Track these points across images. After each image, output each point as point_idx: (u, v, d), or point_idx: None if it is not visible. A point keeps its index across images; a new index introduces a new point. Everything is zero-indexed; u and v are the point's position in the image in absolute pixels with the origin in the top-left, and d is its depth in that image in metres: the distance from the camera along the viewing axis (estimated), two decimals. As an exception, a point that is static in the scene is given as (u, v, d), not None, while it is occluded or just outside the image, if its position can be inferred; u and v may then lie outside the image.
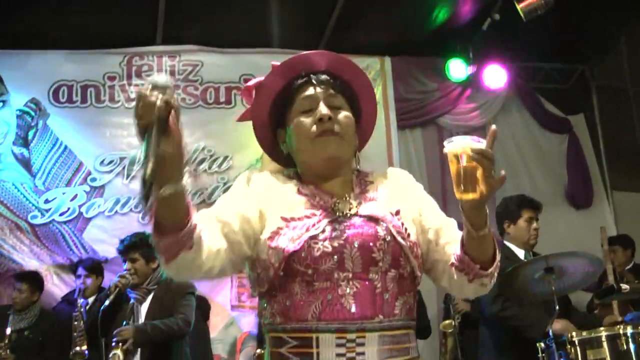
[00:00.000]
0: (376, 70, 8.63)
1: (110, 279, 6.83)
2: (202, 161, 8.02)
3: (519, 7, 7.77)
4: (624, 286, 5.23)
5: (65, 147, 7.70)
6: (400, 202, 2.23)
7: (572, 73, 9.76)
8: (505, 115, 9.32)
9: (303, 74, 2.27)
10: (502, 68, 8.99)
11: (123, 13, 7.61)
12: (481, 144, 1.98)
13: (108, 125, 7.91)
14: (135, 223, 7.58)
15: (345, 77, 2.31)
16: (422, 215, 2.24)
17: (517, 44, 8.80)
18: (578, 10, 8.26)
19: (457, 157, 2.00)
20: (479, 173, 1.97)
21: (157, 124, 1.74)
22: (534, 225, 5.32)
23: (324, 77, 2.26)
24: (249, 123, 2.38)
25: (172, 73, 8.12)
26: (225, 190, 7.65)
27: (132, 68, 8.07)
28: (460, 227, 2.16)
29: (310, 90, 2.24)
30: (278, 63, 2.31)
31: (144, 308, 5.38)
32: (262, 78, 2.32)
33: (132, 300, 5.39)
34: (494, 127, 2.03)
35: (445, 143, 2.04)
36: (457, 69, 8.84)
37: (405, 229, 2.15)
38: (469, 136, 2.02)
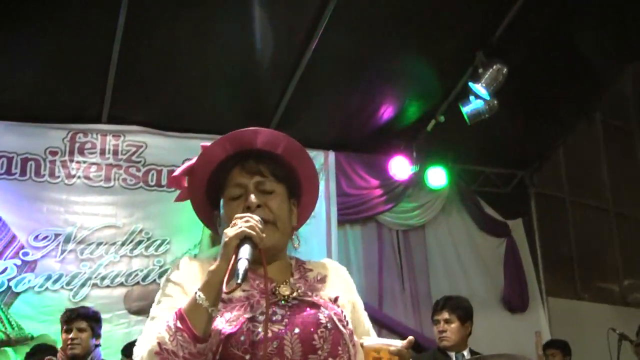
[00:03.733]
0: (320, 164, 8.61)
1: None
2: (139, 243, 7.87)
3: (464, 110, 7.94)
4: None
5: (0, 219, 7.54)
6: (338, 291, 2.24)
7: (512, 178, 9.93)
8: (445, 216, 9.40)
9: (235, 155, 2.27)
10: (444, 169, 9.09)
11: (70, 89, 7.55)
12: (398, 343, 2.07)
13: (46, 201, 7.74)
14: (66, 301, 7.35)
15: (279, 152, 2.29)
16: (354, 308, 2.28)
17: (460, 146, 8.96)
18: (518, 118, 8.49)
19: (376, 353, 2.07)
20: None
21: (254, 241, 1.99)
22: (438, 327, 5.50)
23: (254, 160, 2.25)
24: (189, 208, 2.35)
25: (115, 152, 8.04)
26: (160, 274, 7.62)
27: (75, 144, 7.93)
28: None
29: (239, 177, 2.23)
30: (207, 144, 2.30)
31: None
32: (192, 162, 2.30)
33: None
34: (411, 338, 2.10)
35: (363, 339, 2.12)
36: (400, 167, 8.90)
37: (345, 317, 2.15)
38: (386, 339, 2.13)
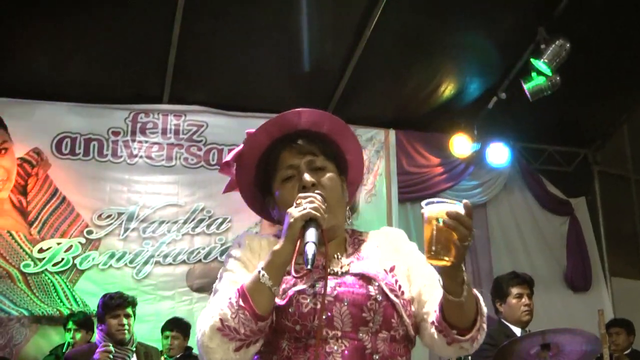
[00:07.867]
0: (380, 142, 8.64)
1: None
2: (201, 221, 7.97)
3: (526, 87, 7.83)
4: (622, 368, 5.16)
5: (64, 199, 7.65)
6: (393, 259, 2.21)
7: (575, 156, 9.79)
8: (507, 194, 9.32)
9: (281, 138, 2.26)
10: (505, 147, 8.99)
11: (131, 70, 7.66)
12: (459, 207, 1.94)
13: (109, 180, 7.88)
14: (130, 278, 7.55)
15: (323, 131, 2.30)
16: (410, 271, 2.21)
17: (522, 124, 8.85)
18: (581, 94, 8.33)
19: (435, 221, 1.93)
20: (454, 239, 1.91)
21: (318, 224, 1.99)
22: (524, 300, 5.24)
23: (302, 140, 2.24)
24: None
25: (176, 132, 8.15)
26: (222, 252, 7.67)
27: (137, 125, 8.05)
28: None
29: (290, 158, 2.22)
30: (252, 130, 2.30)
31: None
32: (240, 148, 2.32)
33: None
34: (466, 201, 1.95)
35: (423, 204, 1.98)
36: (461, 145, 8.82)
37: (399, 287, 2.13)
38: (449, 199, 1.97)
